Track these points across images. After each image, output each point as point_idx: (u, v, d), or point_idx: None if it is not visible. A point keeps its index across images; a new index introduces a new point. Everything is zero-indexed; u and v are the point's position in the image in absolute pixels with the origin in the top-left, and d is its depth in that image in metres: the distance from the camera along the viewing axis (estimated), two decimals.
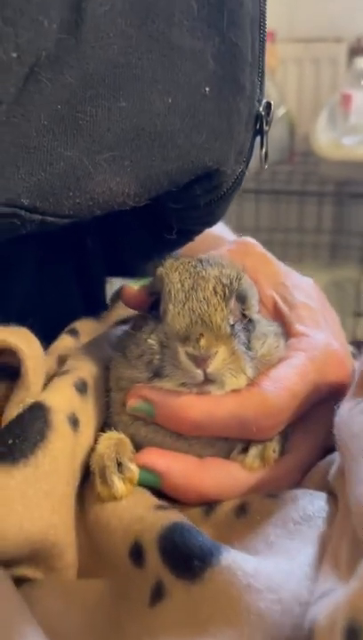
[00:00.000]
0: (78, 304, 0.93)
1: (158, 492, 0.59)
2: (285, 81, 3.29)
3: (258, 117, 0.70)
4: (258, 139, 0.73)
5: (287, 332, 0.70)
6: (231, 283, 0.62)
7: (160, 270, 0.64)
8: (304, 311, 0.72)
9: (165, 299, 0.61)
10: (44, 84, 0.53)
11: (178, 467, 0.59)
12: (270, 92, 3.10)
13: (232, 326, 0.60)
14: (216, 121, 0.63)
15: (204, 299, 0.60)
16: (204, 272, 0.62)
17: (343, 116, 2.80)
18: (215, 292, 0.60)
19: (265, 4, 0.68)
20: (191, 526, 0.49)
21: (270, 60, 3.05)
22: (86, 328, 0.77)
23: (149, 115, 0.58)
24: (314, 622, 0.34)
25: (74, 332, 0.75)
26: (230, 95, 0.64)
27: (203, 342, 0.56)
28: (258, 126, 0.71)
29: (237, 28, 0.63)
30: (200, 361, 0.57)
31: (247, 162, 0.71)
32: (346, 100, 2.77)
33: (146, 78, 0.58)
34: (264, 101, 0.70)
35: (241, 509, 0.56)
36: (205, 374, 0.57)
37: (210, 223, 0.75)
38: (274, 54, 3.08)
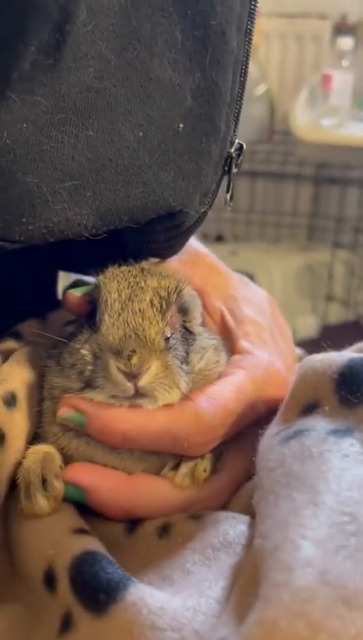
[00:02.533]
0: (28, 296, 0.91)
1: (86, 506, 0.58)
2: (267, 57, 3.23)
3: (228, 159, 0.67)
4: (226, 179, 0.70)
5: (232, 347, 0.69)
6: (169, 295, 0.60)
7: (99, 278, 0.62)
8: (251, 327, 0.70)
9: (101, 308, 0.59)
10: (12, 102, 0.50)
11: (105, 483, 0.58)
12: (252, 69, 3.04)
13: (168, 339, 0.58)
14: (186, 160, 0.60)
15: (139, 311, 0.58)
16: (142, 282, 0.61)
17: (323, 97, 2.76)
18: (152, 305, 0.59)
19: (250, 47, 0.65)
20: (103, 556, 0.48)
21: None
22: (31, 330, 0.75)
23: (118, 146, 0.56)
24: None
25: (18, 335, 0.73)
26: (204, 135, 0.61)
27: (135, 360, 0.55)
28: (227, 168, 0.68)
29: (219, 66, 0.60)
30: (131, 376, 0.55)
31: (211, 203, 0.69)
32: (326, 80, 2.73)
33: (119, 108, 0.55)
34: (237, 142, 0.68)
35: (163, 530, 0.56)
36: (136, 388, 0.56)
37: (166, 256, 0.73)
38: (256, 29, 3.01)
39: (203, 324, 0.70)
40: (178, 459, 0.61)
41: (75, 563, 0.47)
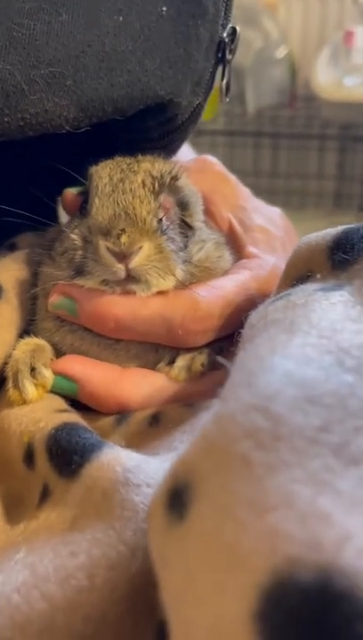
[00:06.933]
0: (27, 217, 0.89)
1: (77, 404, 0.57)
2: (288, 19, 3.15)
3: (221, 44, 0.64)
4: (220, 69, 0.67)
5: (239, 253, 0.66)
6: (162, 176, 0.58)
7: (92, 168, 0.60)
8: (260, 234, 0.68)
9: (91, 193, 0.57)
10: None
11: (97, 374, 0.56)
12: (272, 31, 2.98)
13: (160, 221, 0.56)
14: (172, 46, 0.58)
15: (130, 191, 0.56)
16: (135, 166, 0.58)
17: (345, 55, 2.69)
18: (144, 185, 0.56)
19: None
20: (82, 426, 0.46)
21: None
22: (26, 243, 0.73)
23: (97, 32, 0.53)
24: None
25: (13, 247, 0.71)
26: (190, 18, 0.58)
27: (124, 238, 0.52)
28: (221, 55, 0.65)
29: None
30: (122, 256, 0.53)
31: (207, 93, 0.66)
32: (348, 37, 2.65)
33: None
34: (229, 26, 0.64)
35: (154, 418, 0.53)
36: (128, 270, 0.53)
37: (166, 156, 0.71)
38: None
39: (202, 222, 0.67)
40: (174, 354, 0.59)
41: (52, 433, 0.46)
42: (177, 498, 0.27)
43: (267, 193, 3.35)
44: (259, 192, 0.79)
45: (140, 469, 0.40)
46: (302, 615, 0.20)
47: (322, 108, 2.88)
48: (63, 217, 0.94)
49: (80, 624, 0.35)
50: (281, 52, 3.02)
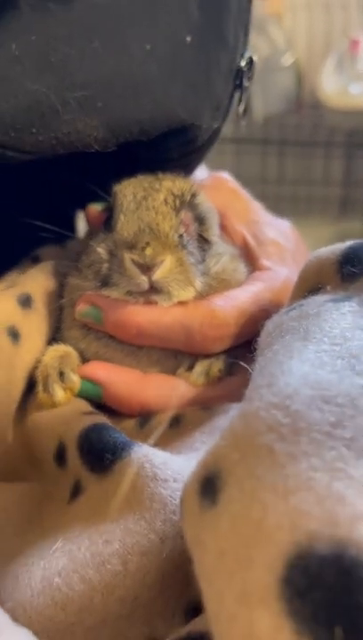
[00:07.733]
0: (49, 230, 0.93)
1: (102, 408, 0.60)
2: (293, 27, 3.19)
3: (239, 72, 0.68)
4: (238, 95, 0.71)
5: (253, 266, 0.70)
6: (183, 194, 0.62)
7: (116, 187, 0.64)
8: (272, 247, 0.71)
9: (116, 210, 0.62)
10: (25, 9, 0.52)
11: (121, 378, 0.60)
12: (277, 39, 3.02)
13: (181, 236, 0.60)
14: (195, 73, 0.62)
15: (153, 208, 0.60)
16: (157, 185, 0.63)
17: (351, 63, 2.72)
18: (166, 202, 0.61)
19: None
20: (111, 426, 0.50)
21: (275, 4, 2.97)
22: (49, 255, 0.77)
23: (126, 59, 0.57)
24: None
25: (37, 259, 0.75)
26: (212, 47, 0.62)
27: (149, 250, 0.56)
28: (238, 81, 0.69)
29: None
30: (146, 269, 0.57)
31: (224, 117, 0.70)
32: (354, 45, 2.69)
33: (124, 22, 0.57)
34: (247, 56, 0.69)
35: (175, 421, 0.57)
36: (151, 282, 0.57)
37: (184, 175, 0.75)
38: None
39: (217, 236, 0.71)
40: (193, 361, 0.62)
41: (83, 433, 0.49)
42: (209, 485, 0.31)
43: (273, 200, 3.39)
44: (265, 199, 0.83)
45: (166, 466, 0.44)
46: (321, 580, 0.24)
47: (328, 116, 2.91)
48: (81, 230, 0.98)
49: (116, 605, 0.39)
50: (287, 60, 3.06)
